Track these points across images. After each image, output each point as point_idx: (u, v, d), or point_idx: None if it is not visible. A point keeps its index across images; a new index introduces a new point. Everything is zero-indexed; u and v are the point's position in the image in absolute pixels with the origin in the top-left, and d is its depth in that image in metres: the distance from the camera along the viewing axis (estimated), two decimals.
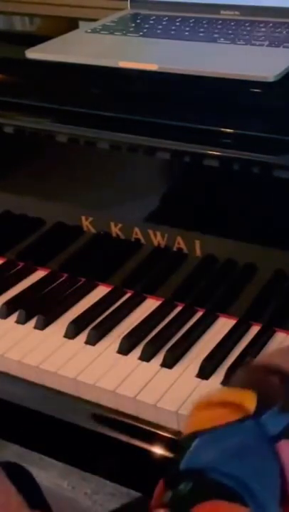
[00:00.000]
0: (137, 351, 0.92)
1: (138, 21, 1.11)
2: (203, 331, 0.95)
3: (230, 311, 0.96)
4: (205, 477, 0.55)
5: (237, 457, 0.56)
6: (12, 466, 0.91)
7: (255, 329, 0.94)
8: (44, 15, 1.31)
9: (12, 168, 1.07)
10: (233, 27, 1.03)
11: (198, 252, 0.94)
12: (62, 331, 0.97)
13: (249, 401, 0.60)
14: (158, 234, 0.95)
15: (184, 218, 0.94)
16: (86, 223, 1.01)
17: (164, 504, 0.55)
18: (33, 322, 0.99)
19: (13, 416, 0.97)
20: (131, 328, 0.96)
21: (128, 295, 1.03)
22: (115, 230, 0.99)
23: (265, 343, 0.91)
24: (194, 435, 0.59)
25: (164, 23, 1.08)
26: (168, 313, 0.99)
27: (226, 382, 0.80)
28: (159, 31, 1.05)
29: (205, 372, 0.87)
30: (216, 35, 1.01)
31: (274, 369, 0.65)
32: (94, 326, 0.97)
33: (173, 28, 1.06)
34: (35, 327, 0.99)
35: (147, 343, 0.92)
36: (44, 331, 0.98)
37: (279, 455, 0.56)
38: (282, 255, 0.88)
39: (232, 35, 1.00)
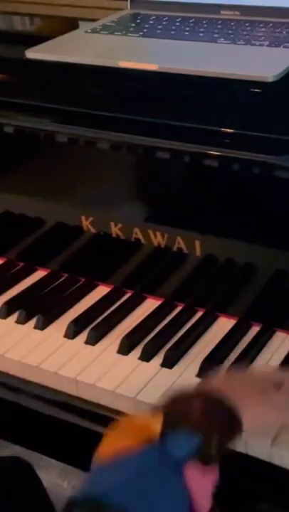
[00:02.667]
0: (137, 351, 0.92)
1: (138, 21, 1.11)
2: (203, 331, 0.95)
3: (230, 311, 0.96)
4: (99, 505, 0.53)
5: (134, 485, 0.55)
6: (17, 461, 0.91)
7: (255, 329, 0.94)
8: (44, 15, 1.31)
9: (12, 168, 1.07)
10: (233, 27, 1.03)
11: (198, 252, 0.94)
12: (62, 331, 0.97)
13: (155, 424, 0.59)
14: (158, 234, 0.95)
15: (184, 218, 0.94)
16: (86, 223, 1.01)
17: None
18: (33, 322, 0.99)
19: (13, 416, 0.97)
20: (131, 328, 0.96)
21: (128, 295, 1.03)
22: (115, 230, 0.99)
23: (265, 343, 0.91)
24: (94, 462, 0.58)
25: (164, 23, 1.08)
26: (168, 313, 0.99)
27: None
28: (159, 31, 1.05)
29: (205, 372, 0.87)
30: (216, 35, 1.01)
31: (201, 393, 0.65)
32: (94, 326, 0.97)
33: (173, 28, 1.06)
34: (35, 327, 0.99)
35: (147, 343, 0.92)
36: (44, 331, 0.98)
37: (184, 477, 0.55)
38: (282, 255, 0.88)
39: (232, 35, 1.00)
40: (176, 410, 0.62)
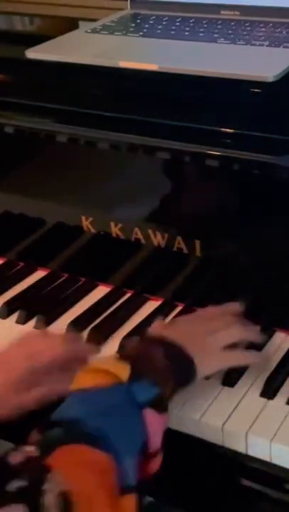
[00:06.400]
0: None
1: (138, 21, 1.11)
2: None
3: None
4: (74, 426, 0.64)
5: (104, 414, 0.66)
6: None
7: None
8: (44, 15, 1.31)
9: (12, 168, 1.07)
10: (233, 27, 1.03)
11: (198, 252, 0.94)
12: (63, 331, 0.97)
13: (123, 371, 0.70)
14: (158, 234, 0.95)
15: (184, 218, 0.94)
16: (86, 223, 1.01)
17: (32, 443, 0.63)
18: (33, 322, 0.99)
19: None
20: (131, 328, 0.96)
21: (128, 295, 1.03)
22: (115, 230, 0.99)
23: (265, 343, 0.91)
24: (75, 391, 0.69)
25: (164, 23, 1.08)
26: (168, 314, 0.99)
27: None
28: (159, 31, 1.05)
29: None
30: (216, 35, 1.01)
31: (161, 340, 0.77)
32: (94, 326, 0.97)
33: (173, 28, 1.06)
34: (35, 327, 0.99)
35: None
36: None
37: (144, 419, 0.68)
38: (282, 255, 0.88)
39: (232, 35, 1.00)
40: (141, 359, 0.73)
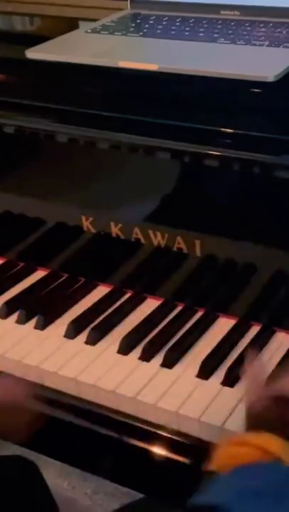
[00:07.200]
0: (137, 351, 0.92)
1: (138, 21, 1.11)
2: (203, 331, 0.95)
3: (230, 311, 0.96)
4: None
5: (272, 498, 0.54)
6: (22, 460, 0.91)
7: (255, 329, 0.94)
8: (44, 15, 1.31)
9: (12, 168, 1.07)
10: (233, 27, 1.03)
11: (198, 252, 0.94)
12: (62, 331, 0.97)
13: (275, 446, 0.59)
14: (158, 234, 0.95)
15: (184, 218, 0.94)
16: (86, 223, 1.01)
17: None
18: (33, 322, 1.00)
19: None
20: (131, 328, 0.96)
21: (128, 295, 1.03)
22: (115, 230, 0.99)
23: (265, 343, 0.91)
24: (218, 471, 0.58)
25: (164, 23, 1.08)
26: (168, 313, 0.99)
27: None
28: (159, 31, 1.05)
29: (205, 372, 0.87)
30: (216, 35, 1.01)
31: None
32: (94, 326, 0.97)
33: (173, 28, 1.06)
34: (35, 327, 0.99)
35: (147, 343, 0.92)
36: (44, 331, 0.98)
37: None
38: (282, 255, 0.88)
39: (232, 35, 1.00)
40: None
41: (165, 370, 0.89)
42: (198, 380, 0.86)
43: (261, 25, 1.03)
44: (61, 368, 0.90)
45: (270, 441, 0.60)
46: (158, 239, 0.96)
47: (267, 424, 0.63)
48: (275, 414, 0.65)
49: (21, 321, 1.00)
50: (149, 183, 0.95)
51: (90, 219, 1.01)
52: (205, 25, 1.05)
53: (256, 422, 0.66)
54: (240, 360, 0.88)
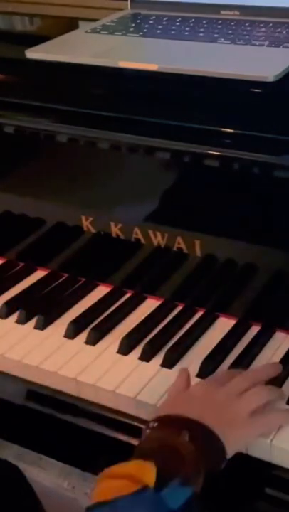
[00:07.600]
0: (137, 351, 0.92)
1: (138, 21, 1.11)
2: (203, 331, 0.95)
3: (230, 311, 0.96)
4: None
5: None
6: (8, 466, 0.91)
7: (255, 329, 0.94)
8: (44, 15, 1.31)
9: (12, 168, 1.07)
10: (233, 27, 1.03)
11: (198, 252, 0.94)
12: (62, 331, 0.97)
13: (148, 475, 0.62)
14: (158, 234, 0.95)
15: (183, 218, 0.94)
16: (86, 223, 1.01)
17: None
18: (33, 322, 1.00)
19: (13, 416, 0.97)
20: (131, 328, 0.96)
21: (128, 295, 1.03)
22: (115, 230, 0.99)
23: (265, 343, 0.91)
24: (94, 506, 0.61)
25: (164, 23, 1.08)
26: (168, 313, 0.99)
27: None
28: (159, 31, 1.05)
29: (205, 372, 0.87)
30: (216, 35, 1.01)
31: (184, 421, 0.68)
32: (94, 326, 0.97)
33: (173, 28, 1.06)
34: (35, 327, 0.99)
35: (147, 343, 0.92)
36: (44, 331, 0.98)
37: None
38: (282, 255, 0.88)
39: (232, 35, 1.00)
40: (166, 453, 0.65)
41: (165, 370, 0.89)
42: (199, 380, 0.86)
43: (261, 25, 1.03)
44: (61, 368, 0.90)
45: (140, 469, 0.62)
46: (158, 239, 0.96)
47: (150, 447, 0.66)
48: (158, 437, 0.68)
49: (21, 321, 1.00)
50: (149, 183, 0.95)
51: (90, 219, 1.01)
52: (205, 25, 1.05)
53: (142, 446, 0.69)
54: (240, 360, 0.88)
